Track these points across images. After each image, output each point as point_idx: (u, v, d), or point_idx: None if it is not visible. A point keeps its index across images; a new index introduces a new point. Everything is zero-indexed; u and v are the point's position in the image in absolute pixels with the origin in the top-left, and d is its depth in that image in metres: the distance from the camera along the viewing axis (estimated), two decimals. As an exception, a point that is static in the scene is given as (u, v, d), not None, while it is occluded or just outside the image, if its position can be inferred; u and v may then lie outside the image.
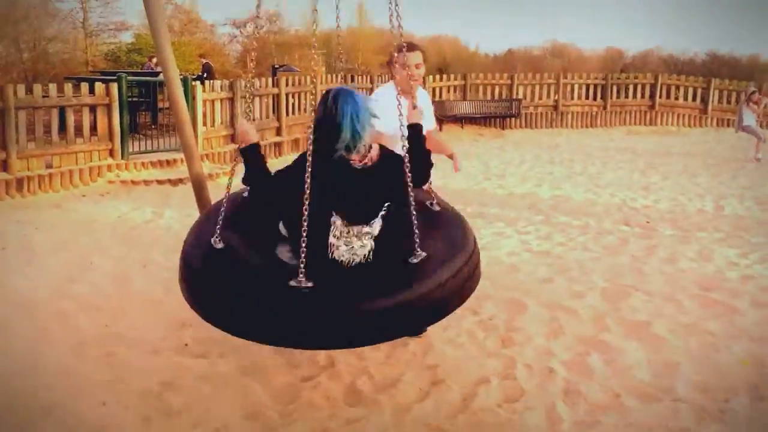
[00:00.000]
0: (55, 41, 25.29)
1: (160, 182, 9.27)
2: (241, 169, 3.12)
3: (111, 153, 9.64)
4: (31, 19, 23.64)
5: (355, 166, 2.92)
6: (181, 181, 9.16)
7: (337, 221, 2.87)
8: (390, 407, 3.33)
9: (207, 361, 3.86)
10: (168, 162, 10.11)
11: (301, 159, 2.84)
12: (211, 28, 34.34)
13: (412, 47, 3.84)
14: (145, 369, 3.73)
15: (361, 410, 3.32)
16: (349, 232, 2.87)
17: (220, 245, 2.91)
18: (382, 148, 3.06)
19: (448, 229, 3.14)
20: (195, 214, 6.37)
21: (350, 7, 38.98)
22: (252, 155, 3.06)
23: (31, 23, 23.62)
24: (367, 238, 2.87)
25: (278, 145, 12.85)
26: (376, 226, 2.89)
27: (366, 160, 2.95)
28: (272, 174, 3.05)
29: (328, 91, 2.98)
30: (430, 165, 3.19)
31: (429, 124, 4.07)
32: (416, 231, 2.80)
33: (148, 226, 7.06)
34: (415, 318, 2.76)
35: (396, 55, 3.83)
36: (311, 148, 2.74)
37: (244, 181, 3.10)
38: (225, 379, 3.62)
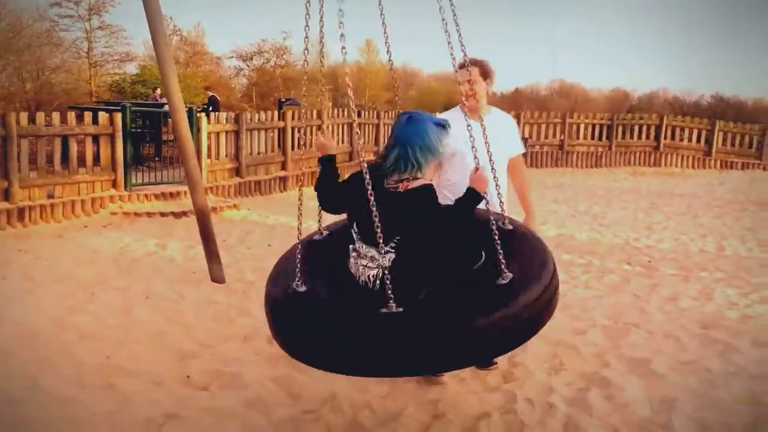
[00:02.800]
0: (59, 71, 25.47)
1: (163, 214, 9.31)
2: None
3: (114, 184, 9.68)
4: (34, 48, 23.80)
5: (385, 188, 2.93)
6: (184, 213, 9.20)
7: (354, 235, 2.98)
8: (389, 441, 3.31)
9: (209, 393, 3.85)
10: (171, 194, 10.17)
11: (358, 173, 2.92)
12: (217, 60, 34.57)
13: (462, 65, 3.64)
14: (147, 400, 3.71)
15: (360, 443, 3.30)
16: (358, 249, 2.95)
17: (302, 288, 2.99)
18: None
19: (525, 248, 3.12)
20: (198, 247, 6.43)
21: (358, 42, 39.48)
22: (326, 164, 3.17)
23: (35, 52, 23.77)
24: (373, 262, 2.89)
25: (283, 180, 12.89)
26: (387, 257, 2.85)
27: (400, 186, 2.93)
28: (337, 182, 3.16)
29: (402, 114, 3.05)
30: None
31: (511, 150, 4.07)
32: (500, 252, 2.84)
33: (151, 258, 7.08)
34: (506, 338, 2.78)
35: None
36: (365, 166, 2.80)
37: (316, 186, 3.18)
38: (227, 411, 3.61)
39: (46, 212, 8.62)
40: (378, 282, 2.85)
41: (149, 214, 9.28)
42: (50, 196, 8.87)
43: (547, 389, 3.96)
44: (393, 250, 2.86)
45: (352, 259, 2.97)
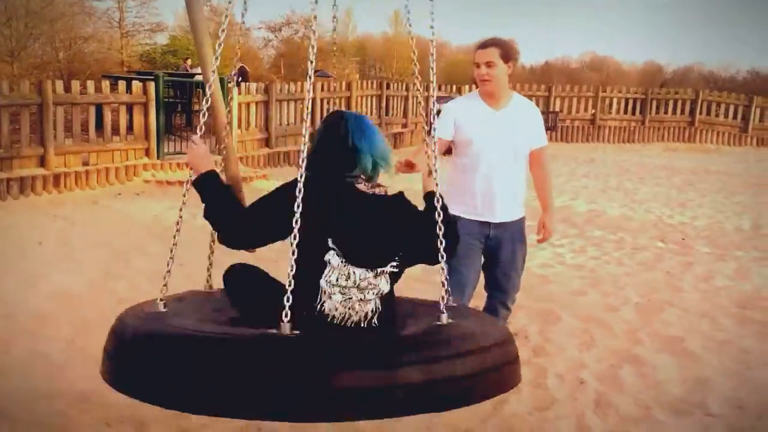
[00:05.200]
0: (91, 41, 25.67)
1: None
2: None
3: (147, 152, 9.78)
4: (67, 18, 23.94)
5: (365, 191, 2.29)
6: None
7: (333, 259, 2.16)
8: (420, 411, 3.32)
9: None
10: (204, 164, 10.21)
11: (292, 183, 2.18)
12: (246, 31, 34.60)
13: (482, 44, 3.45)
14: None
15: (392, 413, 3.32)
16: (348, 277, 2.16)
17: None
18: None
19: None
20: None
21: (386, 13, 39.13)
22: (211, 186, 2.41)
23: (67, 22, 23.91)
24: (371, 292, 2.19)
25: (312, 151, 12.86)
26: (385, 282, 2.22)
27: (377, 190, 2.33)
28: (247, 205, 2.43)
29: (338, 114, 2.44)
30: (455, 239, 2.42)
31: (533, 142, 3.64)
32: (446, 279, 2.32)
33: (184, 226, 7.09)
34: (437, 396, 1.98)
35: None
36: (303, 171, 2.09)
37: (206, 215, 2.46)
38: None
39: (81, 179, 8.72)
40: (374, 317, 2.21)
41: (181, 183, 9.33)
42: (85, 163, 9.00)
43: (578, 365, 3.95)
44: (396, 269, 2.26)
45: (335, 296, 2.16)
